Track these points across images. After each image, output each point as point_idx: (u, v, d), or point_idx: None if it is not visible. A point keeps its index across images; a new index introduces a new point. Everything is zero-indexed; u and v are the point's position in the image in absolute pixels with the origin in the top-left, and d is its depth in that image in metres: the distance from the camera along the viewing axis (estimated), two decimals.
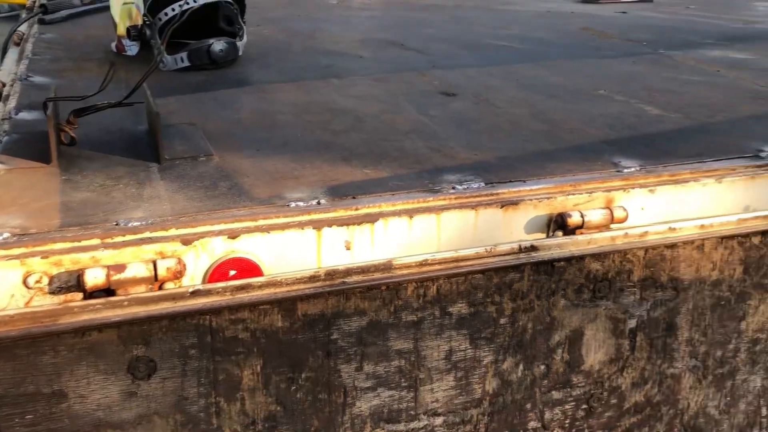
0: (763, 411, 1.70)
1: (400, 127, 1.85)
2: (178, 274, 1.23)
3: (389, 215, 1.36)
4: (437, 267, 1.32)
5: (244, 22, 2.64)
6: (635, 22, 4.10)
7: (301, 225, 1.31)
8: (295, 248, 1.31)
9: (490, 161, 1.61)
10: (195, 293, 1.18)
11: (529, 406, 1.47)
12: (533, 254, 1.39)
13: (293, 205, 1.36)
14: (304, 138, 1.75)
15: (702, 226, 1.52)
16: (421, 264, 1.31)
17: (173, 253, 1.25)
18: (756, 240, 1.58)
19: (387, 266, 1.29)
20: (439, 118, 1.93)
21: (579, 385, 1.50)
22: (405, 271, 1.30)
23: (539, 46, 3.20)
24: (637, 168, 1.60)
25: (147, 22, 2.46)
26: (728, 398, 1.66)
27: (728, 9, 5.48)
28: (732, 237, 1.56)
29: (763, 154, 1.70)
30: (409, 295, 1.32)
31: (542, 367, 1.46)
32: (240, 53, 2.56)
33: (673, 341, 1.57)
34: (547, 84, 2.39)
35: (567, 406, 1.50)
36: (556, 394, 1.49)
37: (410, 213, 1.38)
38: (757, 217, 1.57)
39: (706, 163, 1.65)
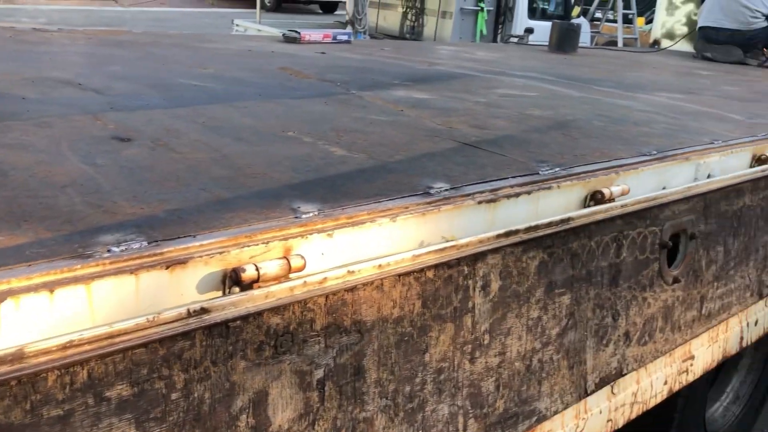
0: None
1: (56, 180, 1.61)
2: None
3: (22, 292, 1.13)
4: (87, 347, 1.13)
5: None
6: (332, 62, 4.27)
7: None
8: None
9: (158, 215, 1.46)
10: None
11: None
12: (205, 317, 1.27)
13: None
14: None
15: (380, 266, 1.54)
16: (65, 347, 1.11)
17: None
18: (430, 274, 1.65)
19: (17, 356, 1.06)
20: (106, 168, 1.72)
21: None
22: (43, 359, 1.09)
23: (234, 85, 3.13)
24: (316, 212, 1.57)
25: None
26: (420, 431, 1.70)
27: (417, 52, 6.03)
28: (408, 273, 1.60)
29: (432, 191, 1.79)
30: (50, 387, 1.10)
31: None
32: None
33: (362, 384, 1.56)
34: (236, 126, 2.31)
35: None
36: None
37: (50, 286, 1.16)
38: (429, 252, 1.63)
39: (382, 203, 1.68)
